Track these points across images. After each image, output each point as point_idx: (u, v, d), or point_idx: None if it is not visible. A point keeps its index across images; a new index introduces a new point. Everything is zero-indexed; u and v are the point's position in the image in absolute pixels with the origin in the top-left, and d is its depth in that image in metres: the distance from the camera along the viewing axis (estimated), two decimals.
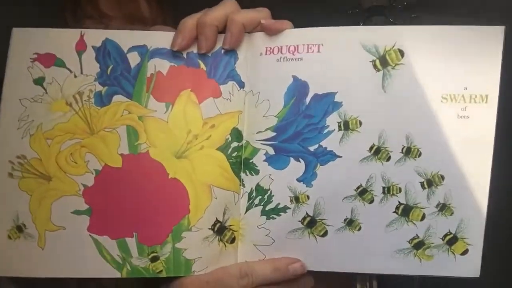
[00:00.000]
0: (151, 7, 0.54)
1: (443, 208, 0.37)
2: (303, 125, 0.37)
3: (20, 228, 0.36)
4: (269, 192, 0.38)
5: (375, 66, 0.37)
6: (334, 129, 0.37)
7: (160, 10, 0.55)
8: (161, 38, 0.38)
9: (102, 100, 0.37)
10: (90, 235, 0.36)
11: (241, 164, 0.38)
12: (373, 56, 0.37)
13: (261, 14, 0.38)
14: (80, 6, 0.52)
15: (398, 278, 0.37)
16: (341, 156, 0.37)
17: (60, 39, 0.38)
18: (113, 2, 0.52)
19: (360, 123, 0.37)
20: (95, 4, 0.51)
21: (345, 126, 0.37)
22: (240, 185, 0.38)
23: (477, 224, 0.37)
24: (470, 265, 0.37)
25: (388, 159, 0.37)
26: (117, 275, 0.36)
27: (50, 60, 0.37)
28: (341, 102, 0.37)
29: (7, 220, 0.36)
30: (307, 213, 0.38)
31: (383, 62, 0.37)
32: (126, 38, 0.38)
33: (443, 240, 0.37)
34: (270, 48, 0.38)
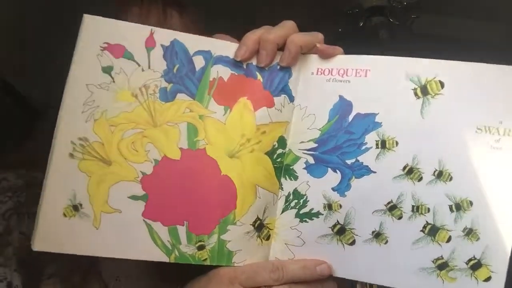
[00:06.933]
0: (185, 26, 0.55)
1: (469, 233, 0.39)
2: (343, 140, 0.42)
3: (76, 207, 0.37)
4: (305, 197, 0.42)
5: (415, 94, 0.40)
6: (372, 147, 0.41)
7: (195, 29, 0.57)
8: (225, 47, 0.41)
9: (167, 96, 0.40)
10: (144, 220, 0.38)
11: (282, 169, 0.42)
12: (415, 84, 0.40)
13: (317, 38, 0.42)
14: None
15: None
16: (375, 172, 0.41)
17: (130, 33, 0.40)
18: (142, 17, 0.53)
19: (397, 143, 0.40)
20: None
21: (382, 144, 0.41)
22: (279, 188, 0.42)
23: (502, 252, 0.38)
24: None
25: (420, 179, 0.40)
26: (165, 259, 0.38)
27: (119, 51, 0.39)
28: (381, 122, 0.41)
29: (63, 199, 0.37)
30: (337, 221, 0.41)
31: (424, 91, 0.40)
32: (193, 41, 0.41)
33: (467, 264, 0.39)
34: (321, 69, 0.43)
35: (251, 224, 0.40)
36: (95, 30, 0.39)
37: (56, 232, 0.37)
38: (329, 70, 0.42)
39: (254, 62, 0.42)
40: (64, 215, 0.37)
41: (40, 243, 0.36)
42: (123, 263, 0.50)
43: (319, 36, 0.43)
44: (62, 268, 0.49)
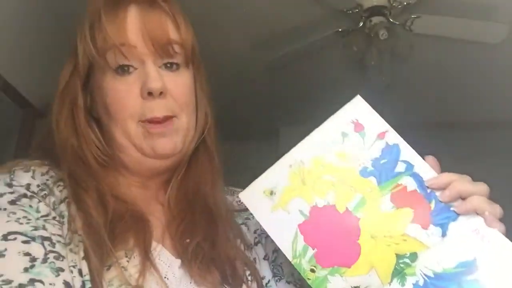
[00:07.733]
0: (179, 30, 0.60)
1: None
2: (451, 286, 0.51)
3: (272, 193, 0.58)
4: None
5: None
6: None
7: (190, 31, 0.61)
8: (424, 170, 0.54)
9: (364, 173, 0.56)
10: (297, 228, 0.56)
11: (399, 273, 0.54)
12: None
13: (493, 209, 0.51)
14: (107, 35, 0.57)
15: None
16: None
17: (373, 123, 0.57)
18: (140, 29, 0.58)
19: None
20: (122, 31, 0.57)
21: None
22: (388, 283, 0.54)
23: None
24: None
25: None
26: (290, 259, 0.56)
27: (359, 128, 0.57)
28: None
29: (270, 183, 0.58)
30: None
31: None
32: (407, 153, 0.55)
33: None
34: (478, 230, 0.52)
35: (351, 286, 0.54)
36: (356, 107, 0.58)
37: (254, 198, 0.58)
38: (482, 235, 0.51)
39: (437, 192, 0.53)
40: (264, 192, 0.58)
41: (245, 196, 0.58)
42: (169, 265, 0.58)
43: (497, 209, 0.51)
44: (120, 260, 0.52)
